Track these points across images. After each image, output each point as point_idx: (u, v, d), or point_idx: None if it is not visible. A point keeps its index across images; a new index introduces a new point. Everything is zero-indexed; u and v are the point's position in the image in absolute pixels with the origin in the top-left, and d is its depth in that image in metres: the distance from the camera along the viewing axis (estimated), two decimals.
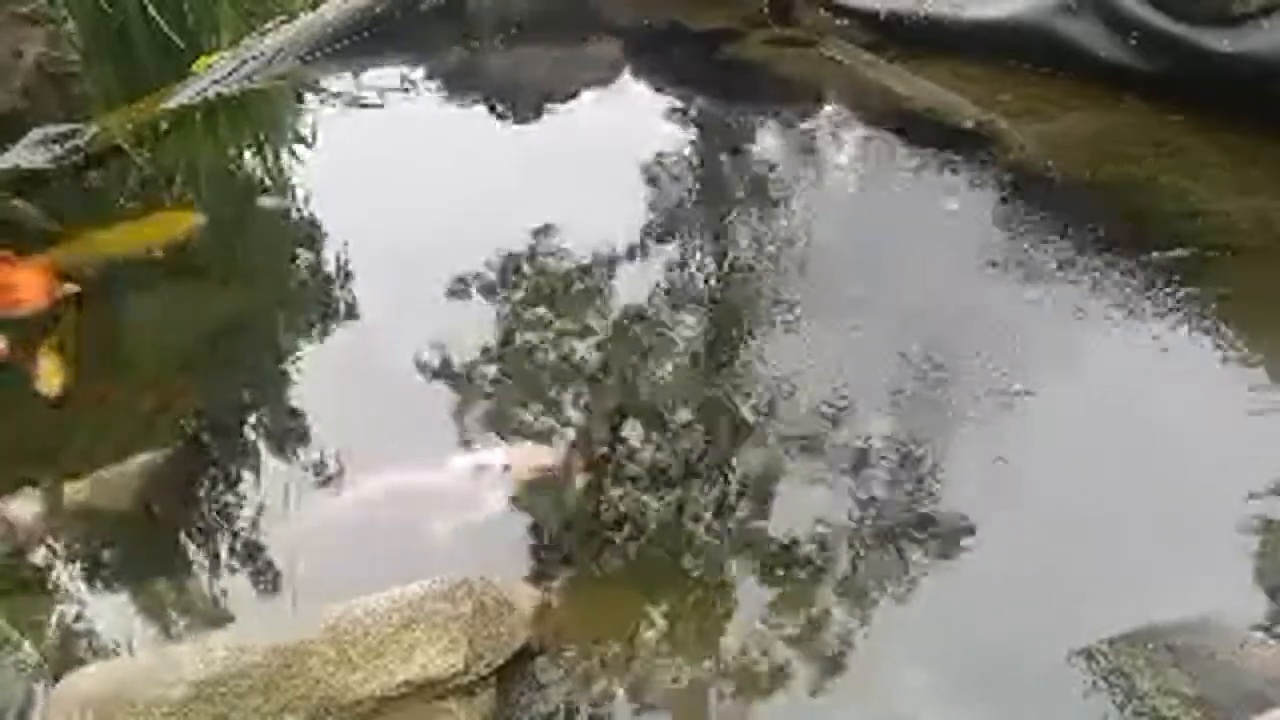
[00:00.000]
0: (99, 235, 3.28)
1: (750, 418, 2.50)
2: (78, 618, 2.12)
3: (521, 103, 4.23)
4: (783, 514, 2.26)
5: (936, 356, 2.64)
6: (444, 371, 2.73)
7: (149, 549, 2.30)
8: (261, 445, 2.52)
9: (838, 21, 4.56)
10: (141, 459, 2.41)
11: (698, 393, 2.59)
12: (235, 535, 2.28)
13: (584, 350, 2.75)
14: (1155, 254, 2.92)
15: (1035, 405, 2.50)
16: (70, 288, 2.88)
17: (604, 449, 2.43)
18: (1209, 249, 2.93)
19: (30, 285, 2.81)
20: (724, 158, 3.83)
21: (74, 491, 2.35)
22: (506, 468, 2.33)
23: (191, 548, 2.26)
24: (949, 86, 3.91)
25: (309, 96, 4.38)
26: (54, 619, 2.10)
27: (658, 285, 3.01)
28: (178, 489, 2.38)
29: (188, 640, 1.94)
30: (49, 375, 2.63)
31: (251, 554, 2.24)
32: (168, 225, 3.34)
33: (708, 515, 2.25)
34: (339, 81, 4.45)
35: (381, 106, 4.27)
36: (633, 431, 2.47)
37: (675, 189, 3.56)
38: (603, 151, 3.81)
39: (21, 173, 3.70)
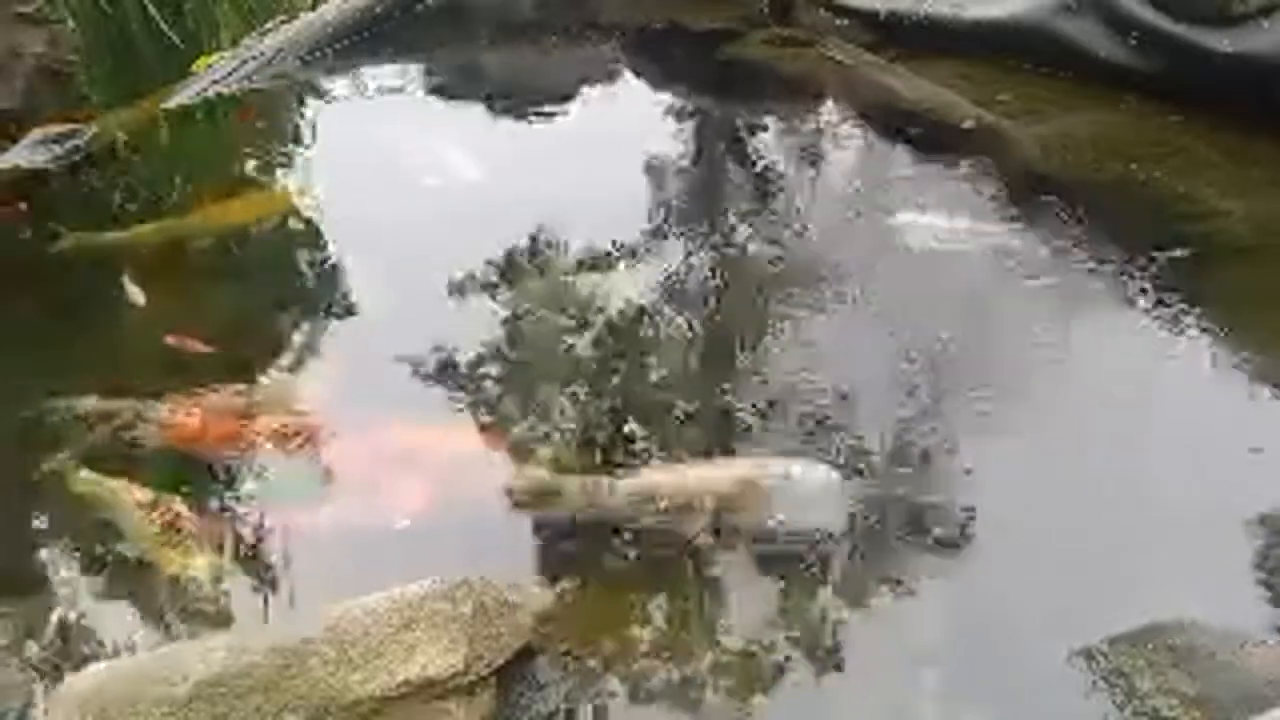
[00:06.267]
0: (214, 210, 3.47)
1: (750, 414, 2.50)
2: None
3: (521, 103, 4.22)
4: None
5: (936, 354, 2.64)
6: None
7: None
8: None
9: (838, 21, 4.56)
10: None
11: (695, 391, 2.60)
12: None
13: None
14: (1155, 254, 2.92)
15: (1034, 403, 2.50)
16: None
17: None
18: (1209, 249, 2.93)
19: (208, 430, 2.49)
20: (724, 157, 3.82)
21: None
22: None
23: None
24: (949, 86, 3.91)
25: (309, 96, 4.38)
26: (55, 617, 2.10)
27: (653, 284, 3.01)
28: None
29: (188, 640, 1.94)
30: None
31: None
32: (272, 201, 3.60)
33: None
34: (339, 82, 4.45)
35: (380, 106, 4.27)
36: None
37: (676, 187, 3.56)
38: (603, 151, 3.80)
39: (22, 172, 3.71)
